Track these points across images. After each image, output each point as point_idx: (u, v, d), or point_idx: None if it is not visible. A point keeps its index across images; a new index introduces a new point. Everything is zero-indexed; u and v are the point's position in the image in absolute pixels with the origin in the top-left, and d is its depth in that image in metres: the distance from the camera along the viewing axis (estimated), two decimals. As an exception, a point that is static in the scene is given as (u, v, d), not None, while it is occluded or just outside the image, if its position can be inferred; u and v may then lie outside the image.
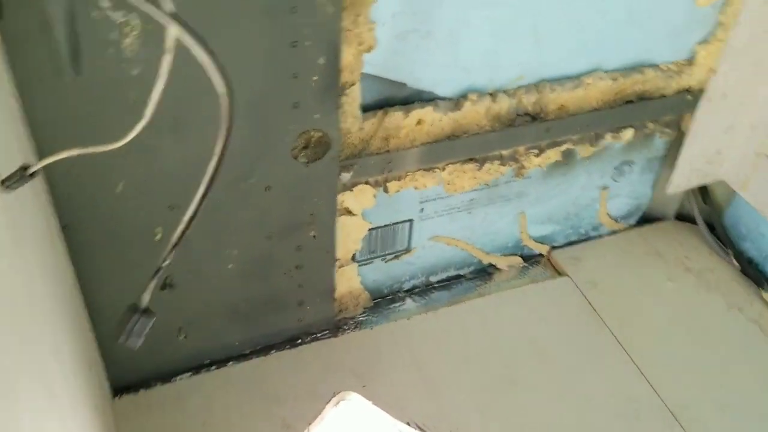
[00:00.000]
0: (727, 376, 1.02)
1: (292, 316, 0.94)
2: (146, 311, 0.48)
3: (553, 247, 1.18)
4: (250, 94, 0.68)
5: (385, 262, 1.01)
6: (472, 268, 1.13)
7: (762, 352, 1.07)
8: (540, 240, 1.16)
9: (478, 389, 0.96)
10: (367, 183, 0.87)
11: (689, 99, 1.03)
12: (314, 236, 0.85)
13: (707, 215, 1.24)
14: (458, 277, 1.12)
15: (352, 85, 0.75)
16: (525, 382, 0.98)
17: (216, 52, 0.40)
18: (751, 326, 1.10)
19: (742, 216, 1.19)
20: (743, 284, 1.16)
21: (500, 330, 1.04)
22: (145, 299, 0.48)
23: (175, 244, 0.45)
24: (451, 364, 0.99)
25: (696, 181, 1.17)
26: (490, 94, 0.89)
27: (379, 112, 0.82)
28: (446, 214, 1.01)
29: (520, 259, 1.16)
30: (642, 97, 1.00)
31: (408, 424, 0.89)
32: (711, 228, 1.23)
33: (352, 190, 0.86)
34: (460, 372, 0.98)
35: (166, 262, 0.46)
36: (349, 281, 0.98)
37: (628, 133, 1.04)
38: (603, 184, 1.13)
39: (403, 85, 0.83)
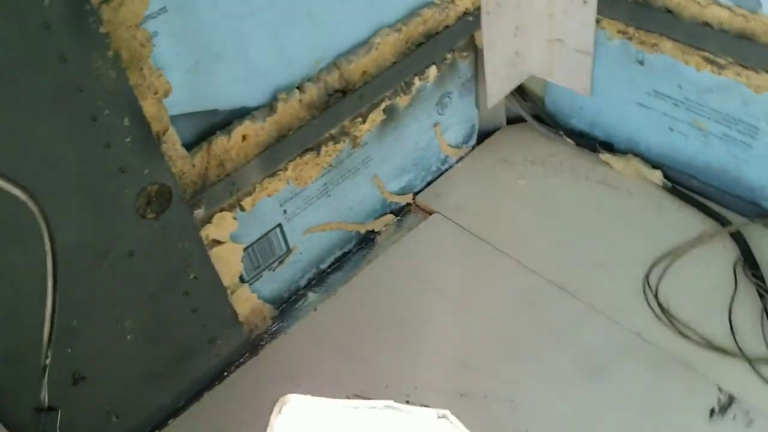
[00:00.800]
0: (596, 236, 1.15)
1: (209, 355, 0.98)
2: (50, 408, 0.51)
3: (416, 193, 1.27)
4: (71, 183, 0.71)
5: (273, 270, 1.06)
6: (354, 242, 1.19)
7: (617, 205, 1.20)
8: (402, 192, 1.24)
9: (397, 342, 1.04)
10: (222, 210, 0.91)
11: (471, 20, 1.13)
12: (195, 278, 0.89)
13: (532, 110, 1.36)
14: (345, 254, 1.19)
15: (166, 131, 0.79)
16: (434, 319, 1.07)
17: (18, 167, 0.43)
18: (600, 187, 1.24)
19: (560, 98, 1.32)
20: (583, 155, 1.29)
21: (396, 284, 1.12)
22: (45, 398, 0.51)
23: (48, 342, 0.48)
24: (366, 331, 1.06)
25: (509, 86, 1.28)
26: (298, 88, 0.95)
27: (204, 144, 0.86)
28: (309, 206, 1.07)
29: (391, 216, 1.24)
30: (430, 36, 1.09)
31: (348, 397, 0.96)
32: (539, 119, 1.35)
33: (211, 222, 0.90)
34: (376, 335, 1.05)
35: (48, 360, 0.50)
36: (247, 302, 1.02)
37: (432, 71, 1.13)
38: (433, 122, 1.22)
39: (214, 111, 0.87)
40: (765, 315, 1.00)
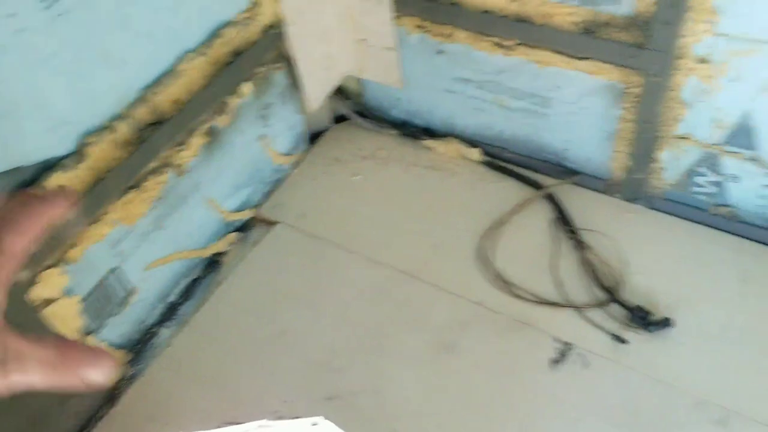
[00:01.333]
0: (430, 219, 1.22)
1: (64, 417, 0.94)
2: None
3: (257, 206, 1.28)
4: None
5: (118, 315, 1.04)
6: (199, 268, 1.19)
7: (445, 186, 1.28)
8: (241, 208, 1.25)
9: (259, 360, 1.05)
10: (48, 267, 0.88)
11: (276, 32, 1.15)
12: (32, 340, 0.85)
13: (354, 107, 1.41)
14: (193, 282, 1.18)
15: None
16: (293, 329, 1.09)
17: None
18: (428, 172, 1.31)
19: (377, 93, 1.38)
20: (408, 144, 1.36)
21: (249, 302, 1.13)
22: None
23: None
24: (226, 356, 1.06)
25: (328, 88, 1.32)
26: (107, 128, 0.93)
27: (14, 204, 0.82)
28: (143, 242, 1.04)
29: (235, 234, 1.24)
30: (237, 53, 1.10)
31: (219, 426, 0.96)
32: (362, 115, 1.40)
33: (37, 283, 0.87)
34: (237, 357, 1.06)
35: None
36: (96, 352, 0.99)
37: (247, 87, 1.14)
38: (259, 135, 1.23)
39: (19, 168, 0.84)
40: (583, 264, 1.11)
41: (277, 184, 1.32)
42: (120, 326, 1.04)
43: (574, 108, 1.12)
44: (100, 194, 0.92)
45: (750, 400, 0.95)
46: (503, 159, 1.27)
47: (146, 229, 1.04)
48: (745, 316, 1.03)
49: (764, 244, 1.10)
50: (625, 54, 0.99)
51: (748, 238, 1.10)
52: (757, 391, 0.95)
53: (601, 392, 0.98)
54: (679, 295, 1.06)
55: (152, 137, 0.98)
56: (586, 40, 1.02)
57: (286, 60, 1.23)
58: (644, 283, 1.08)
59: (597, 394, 0.98)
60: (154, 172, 1.01)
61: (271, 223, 1.27)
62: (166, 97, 0.99)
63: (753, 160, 1.01)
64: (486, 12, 1.07)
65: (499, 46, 1.10)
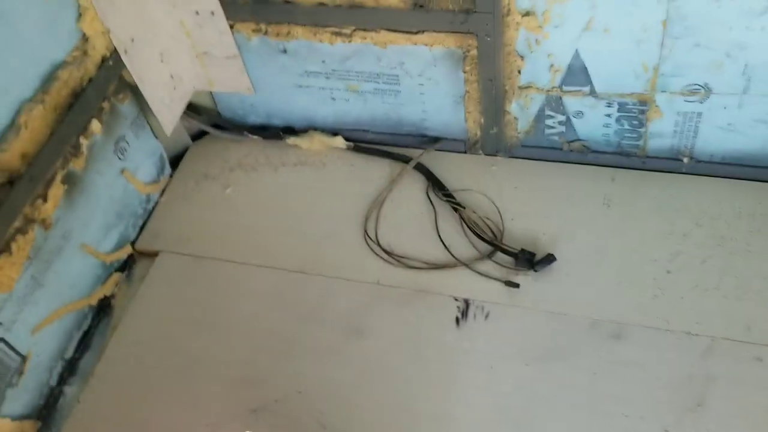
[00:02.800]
0: (311, 213, 1.24)
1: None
2: None
3: (133, 242, 1.25)
4: None
5: (16, 385, 0.99)
6: (90, 317, 1.15)
7: (317, 178, 1.30)
8: (118, 246, 1.21)
9: (176, 392, 1.04)
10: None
11: (112, 63, 1.12)
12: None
13: (210, 121, 1.39)
14: (87, 332, 1.14)
15: None
16: (203, 353, 1.08)
17: None
18: (298, 168, 1.32)
19: (230, 103, 1.37)
20: (272, 146, 1.36)
21: (151, 338, 1.11)
22: None
23: None
24: (140, 398, 1.04)
25: (179, 108, 1.30)
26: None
27: None
28: (25, 305, 1.00)
29: (118, 274, 1.20)
30: (77, 94, 1.06)
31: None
32: (220, 128, 1.39)
33: None
34: (151, 396, 1.04)
35: None
36: (4, 429, 0.95)
37: (95, 125, 1.10)
38: (119, 169, 1.20)
39: None
40: (463, 224, 1.17)
41: (149, 215, 1.29)
42: (21, 396, 0.99)
43: (421, 80, 1.17)
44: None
45: (637, 310, 1.04)
46: (367, 141, 1.30)
47: (25, 291, 0.99)
48: (616, 236, 1.13)
49: (617, 167, 1.20)
50: (456, 21, 1.05)
51: (602, 165, 1.21)
52: (641, 300, 1.05)
53: (506, 337, 1.04)
54: (554, 231, 1.15)
55: (9, 197, 0.93)
56: (418, 15, 1.07)
57: (130, 88, 1.20)
58: (521, 227, 1.16)
59: (502, 338, 1.04)
60: (20, 231, 0.97)
61: (152, 255, 1.24)
62: (12, 154, 0.95)
63: (590, 94, 1.10)
64: (320, 4, 1.09)
65: (338, 34, 1.13)
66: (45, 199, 1.01)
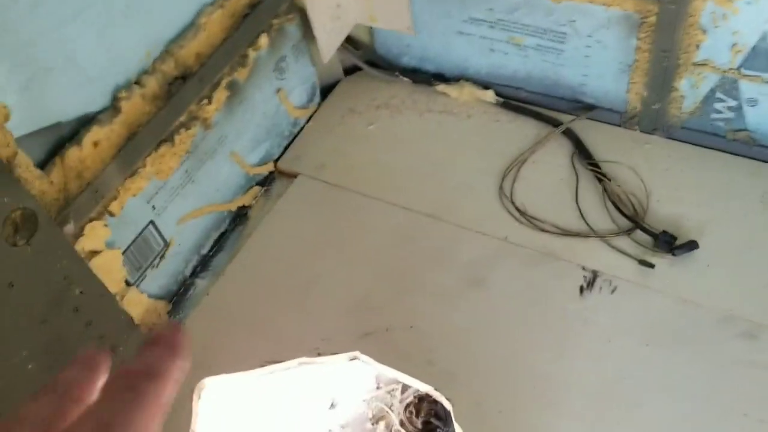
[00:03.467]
0: (449, 162, 1.24)
1: (115, 364, 0.97)
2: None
3: (276, 160, 1.30)
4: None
5: (156, 267, 1.06)
6: (228, 221, 1.21)
7: (460, 129, 1.29)
8: (262, 162, 1.27)
9: (295, 304, 1.08)
10: (91, 220, 0.90)
11: (284, -18, 1.16)
12: (81, 292, 0.88)
13: (365, 57, 1.42)
14: (223, 235, 1.20)
15: (15, 155, 0.77)
16: (324, 273, 1.12)
17: None
18: (442, 116, 1.32)
19: (388, 41, 1.38)
20: (420, 91, 1.37)
21: (279, 251, 1.16)
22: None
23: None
24: (262, 302, 1.09)
25: (339, 39, 1.33)
26: (136, 83, 0.94)
27: (57, 159, 0.84)
28: (176, 196, 1.07)
29: (258, 188, 1.26)
30: (253, 5, 1.11)
31: (262, 365, 1.00)
32: (373, 65, 1.41)
33: (83, 234, 0.89)
34: (273, 302, 1.09)
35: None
36: (139, 304, 1.02)
37: (263, 40, 1.15)
38: (275, 88, 1.25)
39: (58, 124, 0.85)
40: (605, 195, 1.13)
41: (294, 137, 1.34)
42: (159, 279, 1.07)
43: (589, 41, 1.13)
44: (134, 149, 0.94)
45: (774, 312, 0.98)
46: (518, 99, 1.28)
47: (178, 183, 1.06)
48: (766, 235, 1.06)
49: (783, 166, 1.12)
50: (640, -17, 1.01)
51: (766, 162, 1.13)
52: (780, 304, 0.99)
53: (630, 315, 1.01)
54: (701, 219, 1.09)
55: (180, 92, 1.00)
56: (599, -28, 1.03)
57: (298, 11, 1.24)
58: (667, 210, 1.11)
59: (625, 316, 1.01)
60: (184, 126, 1.03)
61: (291, 176, 1.29)
62: (189, 51, 1.01)
63: (769, 82, 1.03)
64: (499, -52, 1.08)
65: (512, -18, 1.12)
66: (210, 101, 1.07)
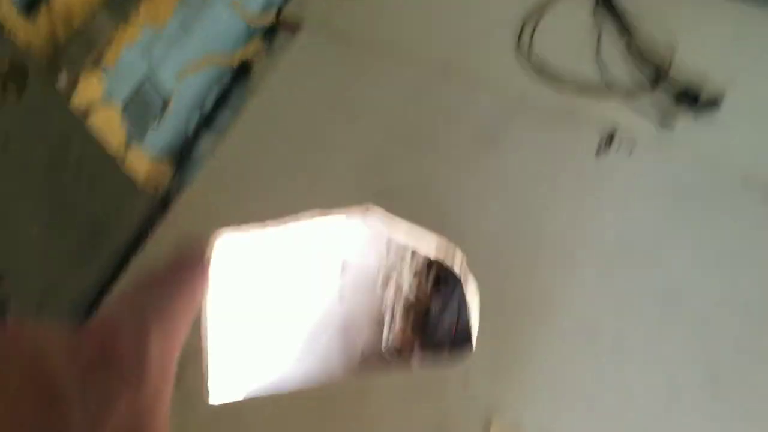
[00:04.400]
0: (462, 11, 1.16)
1: (121, 225, 0.96)
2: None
3: (279, 9, 1.21)
4: None
5: (157, 125, 1.02)
6: (229, 76, 1.15)
7: None
8: (264, 10, 1.19)
9: (305, 164, 1.05)
10: (84, 72, 0.85)
11: None
12: (81, 150, 0.84)
13: None
14: (225, 91, 1.15)
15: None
16: (333, 133, 1.07)
17: None
18: None
19: None
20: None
21: (286, 109, 1.11)
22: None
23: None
24: (271, 163, 1.06)
25: None
26: None
27: (42, 5, 0.77)
28: (172, 48, 1.00)
29: (260, 40, 1.19)
30: None
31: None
32: None
33: (77, 90, 0.84)
34: (282, 163, 1.05)
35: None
36: (141, 163, 0.99)
37: None
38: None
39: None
40: (627, 49, 1.07)
41: (296, -13, 1.24)
42: (161, 137, 1.03)
43: None
44: (125, -7, 0.87)
45: (798, 173, 0.95)
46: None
47: (174, 33, 0.99)
48: (794, 94, 1.01)
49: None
50: None
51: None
52: (805, 165, 0.96)
53: (648, 176, 0.98)
54: (726, 76, 1.03)
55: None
56: None
57: None
58: (691, 65, 1.05)
59: (643, 178, 0.98)
60: (177, -31, 0.95)
61: (295, 28, 1.21)
62: None
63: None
64: None
65: None
66: (204, -59, 0.98)
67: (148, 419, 0.28)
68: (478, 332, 0.90)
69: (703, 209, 0.95)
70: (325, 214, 1.01)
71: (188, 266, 0.35)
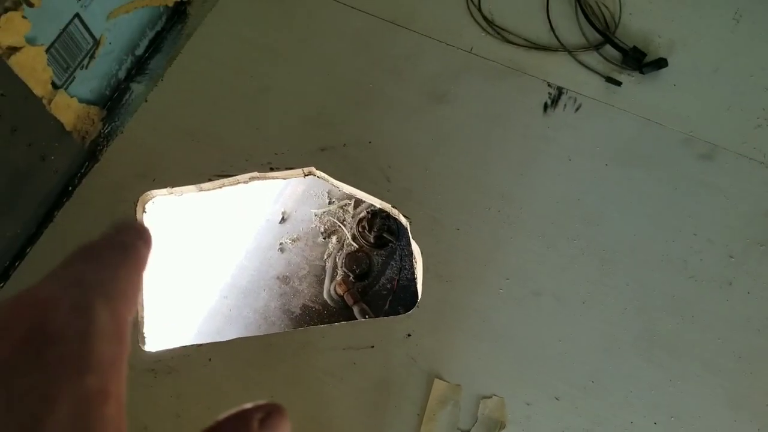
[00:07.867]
0: None
1: (46, 174, 0.90)
2: None
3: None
4: None
5: (86, 68, 0.95)
6: (164, 18, 1.08)
7: None
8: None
9: (245, 115, 1.00)
10: (6, 10, 0.78)
11: None
12: (2, 94, 0.78)
13: None
14: (159, 33, 1.08)
15: None
16: (276, 83, 1.03)
17: None
18: None
19: None
20: None
21: (225, 55, 1.05)
22: None
23: None
24: (208, 111, 1.00)
25: None
26: None
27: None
28: (102, -14, 0.93)
29: (197, -19, 1.12)
30: None
31: (210, 179, 0.94)
32: None
33: (-2, 27, 0.77)
34: (220, 112, 1.00)
35: None
36: (68, 108, 0.92)
37: None
38: None
39: None
40: (578, 7, 1.06)
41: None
42: (89, 81, 0.96)
43: None
44: None
45: (737, 135, 0.97)
46: None
47: (105, -30, 0.92)
48: (736, 56, 1.02)
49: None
50: None
51: (744, -22, 1.07)
52: (744, 127, 0.98)
53: (593, 132, 0.99)
54: (673, 36, 1.04)
55: None
56: None
57: None
58: (638, 25, 1.05)
59: (589, 134, 0.98)
60: None
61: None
62: None
63: None
64: None
65: None
66: None
67: (96, 418, 0.22)
68: (422, 289, 0.90)
69: (646, 167, 0.96)
70: (263, 178, 0.98)
71: (129, 229, 0.30)
